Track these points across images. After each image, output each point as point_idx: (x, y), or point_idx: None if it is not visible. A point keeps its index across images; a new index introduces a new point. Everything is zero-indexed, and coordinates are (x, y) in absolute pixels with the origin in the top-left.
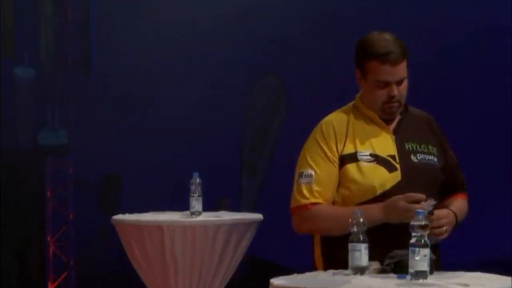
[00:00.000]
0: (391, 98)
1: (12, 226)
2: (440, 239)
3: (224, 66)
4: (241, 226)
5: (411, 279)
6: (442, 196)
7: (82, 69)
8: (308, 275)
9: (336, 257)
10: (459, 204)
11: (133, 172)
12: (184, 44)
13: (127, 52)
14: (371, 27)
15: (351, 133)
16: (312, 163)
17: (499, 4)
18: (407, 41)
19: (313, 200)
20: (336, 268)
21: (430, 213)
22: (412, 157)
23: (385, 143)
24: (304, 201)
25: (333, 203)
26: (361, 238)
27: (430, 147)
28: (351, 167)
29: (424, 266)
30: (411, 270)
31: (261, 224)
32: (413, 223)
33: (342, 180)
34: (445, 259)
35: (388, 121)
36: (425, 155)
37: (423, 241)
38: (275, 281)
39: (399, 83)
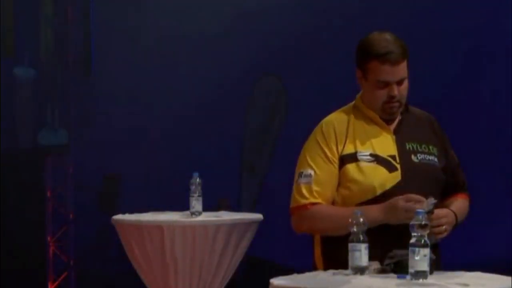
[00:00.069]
0: (391, 98)
1: (12, 226)
2: (440, 239)
3: (224, 66)
4: (241, 226)
5: (411, 279)
6: (442, 196)
7: (82, 69)
8: (308, 275)
9: (336, 257)
10: (459, 204)
11: (133, 172)
12: (184, 44)
13: (127, 52)
14: (371, 27)
15: (351, 133)
16: (312, 163)
17: (500, 5)
18: (407, 41)
19: (312, 200)
20: (336, 268)
21: (430, 212)
22: (413, 157)
23: (385, 143)
24: (303, 201)
25: (333, 203)
26: (361, 238)
27: (430, 147)
28: (351, 167)
29: (424, 266)
30: (411, 270)
31: (261, 224)
32: (413, 223)
33: (342, 180)
34: (445, 259)
35: (388, 121)
36: (425, 155)
37: (423, 241)
38: (275, 281)
39: (399, 83)
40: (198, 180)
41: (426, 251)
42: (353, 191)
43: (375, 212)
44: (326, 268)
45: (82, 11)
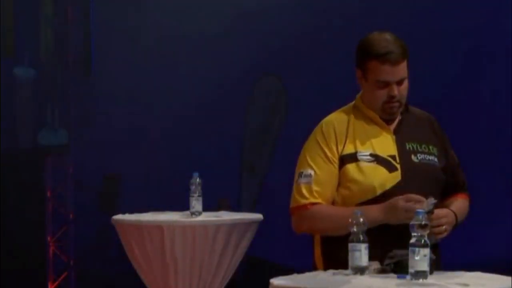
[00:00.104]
0: (391, 98)
1: (12, 226)
2: (440, 239)
3: (224, 66)
4: (241, 226)
5: (411, 279)
6: (443, 196)
7: (82, 69)
8: (308, 275)
9: (336, 257)
10: (459, 204)
11: (133, 172)
12: (184, 44)
13: (127, 52)
14: (371, 27)
15: (351, 133)
16: (312, 163)
17: (500, 5)
18: (407, 41)
19: (312, 200)
20: (336, 268)
21: (430, 212)
22: (413, 157)
23: (385, 143)
24: (303, 201)
25: (333, 203)
26: (361, 238)
27: (430, 147)
28: (351, 167)
29: (424, 266)
30: (411, 270)
31: (261, 224)
32: (413, 223)
33: (342, 180)
34: (445, 259)
35: (388, 121)
36: (425, 155)
37: (423, 241)
38: (275, 281)
39: (399, 83)
40: (198, 180)
41: (426, 251)
42: (353, 191)
43: (375, 212)
44: (326, 268)
45: (82, 11)
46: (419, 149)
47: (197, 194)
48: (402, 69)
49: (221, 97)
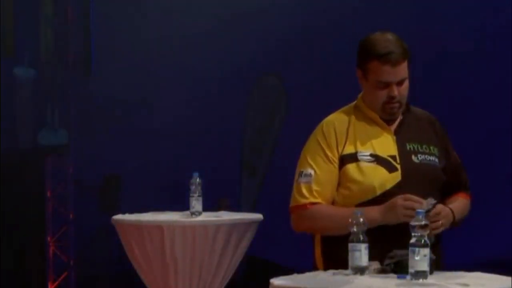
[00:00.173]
0: (391, 98)
1: (12, 226)
2: (433, 237)
3: (224, 66)
4: (241, 226)
5: (411, 279)
6: (444, 196)
7: (82, 69)
8: (308, 275)
9: (336, 257)
10: (458, 203)
11: (133, 172)
12: (184, 44)
13: (127, 52)
14: (372, 27)
15: (352, 133)
16: (312, 163)
17: (501, 5)
18: (407, 41)
19: (312, 199)
20: (336, 268)
21: (429, 212)
22: (413, 157)
23: (385, 144)
24: (303, 201)
25: (333, 203)
26: (361, 238)
27: (431, 147)
28: (351, 167)
29: (424, 266)
30: (411, 270)
31: (261, 224)
32: (413, 223)
33: (342, 180)
34: (445, 259)
35: (389, 122)
36: (426, 156)
37: (423, 241)
38: (275, 281)
39: (399, 83)
40: (198, 180)
41: (426, 251)
42: (353, 191)
43: (375, 213)
44: (326, 268)
45: (82, 11)
46: (420, 150)
47: (197, 194)
48: (402, 70)
49: (221, 97)
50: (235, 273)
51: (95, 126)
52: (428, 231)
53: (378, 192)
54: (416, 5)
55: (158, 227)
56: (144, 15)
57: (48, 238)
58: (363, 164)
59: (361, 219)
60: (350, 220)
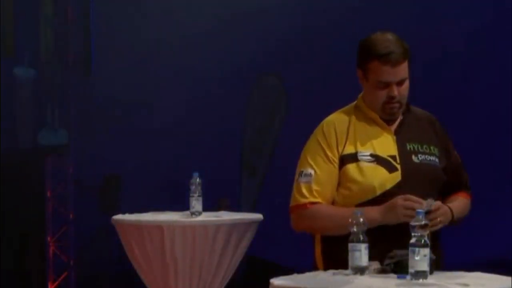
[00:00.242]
0: (391, 98)
1: (12, 226)
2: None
3: (224, 66)
4: (241, 226)
5: (411, 279)
6: (444, 195)
7: (82, 69)
8: (308, 275)
9: (336, 257)
10: (459, 202)
11: (133, 172)
12: (184, 44)
13: (127, 52)
14: (372, 27)
15: (352, 133)
16: (312, 163)
17: (500, 5)
18: (407, 41)
19: (312, 199)
20: (336, 268)
21: (429, 212)
22: (413, 157)
23: (386, 144)
24: (303, 200)
25: (333, 203)
26: (361, 238)
27: (431, 147)
28: (351, 167)
29: (424, 266)
30: (411, 270)
31: (261, 224)
32: (413, 223)
33: (342, 180)
34: (445, 259)
35: (389, 122)
36: (426, 156)
37: (423, 241)
38: (275, 281)
39: (399, 83)
40: (198, 180)
41: (426, 251)
42: (353, 191)
43: (375, 213)
44: (326, 268)
45: (82, 11)
46: (420, 150)
47: (197, 194)
48: (402, 70)
49: (221, 97)
50: (235, 273)
51: (95, 126)
52: (428, 231)
53: (378, 192)
54: (416, 5)
55: (158, 227)
56: (144, 15)
57: (48, 238)
58: (363, 164)
59: (361, 219)
60: (350, 220)
